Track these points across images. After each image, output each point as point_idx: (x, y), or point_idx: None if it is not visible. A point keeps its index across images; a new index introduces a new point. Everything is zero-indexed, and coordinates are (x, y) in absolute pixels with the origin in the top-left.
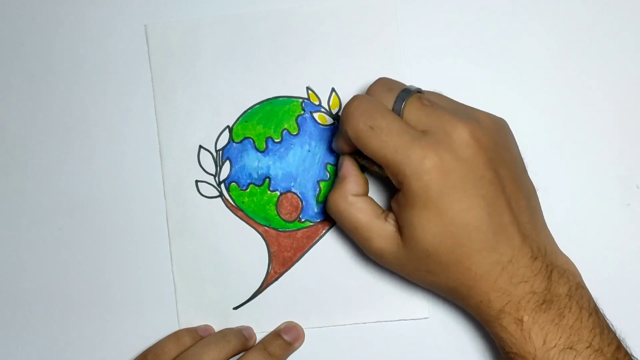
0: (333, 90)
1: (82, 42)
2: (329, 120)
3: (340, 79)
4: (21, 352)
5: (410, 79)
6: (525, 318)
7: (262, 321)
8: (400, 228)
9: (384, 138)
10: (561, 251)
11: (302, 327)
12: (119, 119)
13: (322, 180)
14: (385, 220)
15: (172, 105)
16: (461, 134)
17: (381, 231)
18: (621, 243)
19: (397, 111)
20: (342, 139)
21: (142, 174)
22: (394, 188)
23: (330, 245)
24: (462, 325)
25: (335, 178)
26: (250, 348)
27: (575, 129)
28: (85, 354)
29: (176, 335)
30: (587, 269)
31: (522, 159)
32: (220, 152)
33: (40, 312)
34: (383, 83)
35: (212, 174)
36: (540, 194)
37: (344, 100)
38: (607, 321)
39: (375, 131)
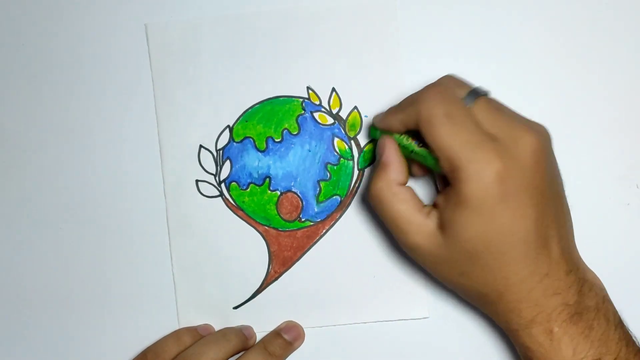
0: (333, 90)
1: (82, 41)
2: (329, 120)
3: (340, 78)
4: (21, 352)
5: (410, 79)
6: (556, 329)
7: (262, 320)
8: (443, 225)
9: (457, 129)
10: (588, 266)
11: (302, 326)
12: (119, 118)
13: (323, 180)
14: (427, 215)
15: (172, 105)
16: (527, 143)
17: (421, 226)
18: (621, 242)
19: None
20: (399, 115)
21: (142, 173)
22: (434, 183)
23: (330, 245)
24: (462, 325)
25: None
26: (250, 347)
27: (575, 129)
28: (85, 353)
29: (176, 335)
30: None
31: (561, 175)
32: (221, 151)
33: (40, 311)
34: (453, 78)
35: (212, 174)
36: None
37: (344, 100)
38: (631, 333)
39: (451, 120)
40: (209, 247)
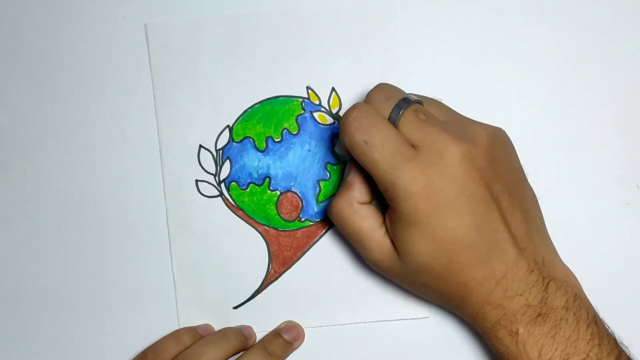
0: (333, 89)
1: (81, 41)
2: (329, 119)
3: (340, 78)
4: (21, 351)
5: (410, 79)
6: (521, 331)
7: (262, 320)
8: (393, 243)
9: (377, 156)
10: (561, 261)
11: (302, 326)
12: (119, 118)
13: (322, 179)
14: (385, 233)
15: (172, 105)
16: (453, 154)
17: (381, 242)
18: (621, 242)
19: (393, 121)
20: (342, 145)
21: (142, 173)
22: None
23: (330, 245)
24: (462, 325)
25: (340, 182)
26: (250, 347)
27: (575, 128)
28: (85, 353)
29: (176, 334)
30: (587, 269)
31: (521, 170)
32: (221, 151)
33: (40, 311)
34: (382, 90)
35: (212, 174)
36: (539, 194)
37: (344, 100)
38: (609, 330)
39: (370, 147)
40: (209, 247)
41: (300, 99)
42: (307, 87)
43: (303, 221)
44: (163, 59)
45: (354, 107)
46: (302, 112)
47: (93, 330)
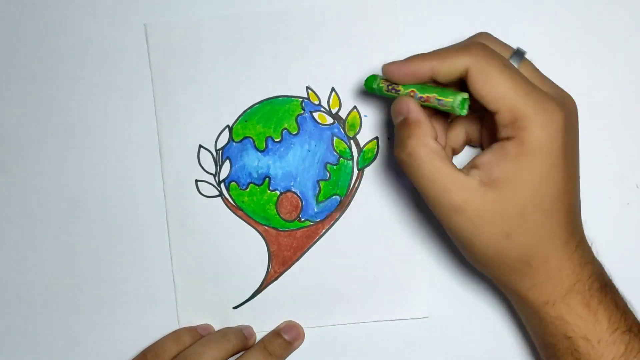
0: (333, 89)
1: (81, 41)
2: (328, 119)
3: (340, 78)
4: (21, 351)
5: None
6: (593, 300)
7: (262, 320)
8: (494, 181)
9: (518, 80)
10: None
11: (302, 326)
12: (119, 118)
13: (322, 179)
14: (467, 174)
15: (172, 105)
16: (572, 105)
17: (464, 183)
18: (621, 242)
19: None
20: (433, 62)
21: (142, 173)
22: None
23: (330, 245)
24: (462, 325)
25: (398, 124)
26: (250, 347)
27: None
28: (85, 353)
29: (176, 334)
30: None
31: None
32: (220, 151)
33: (40, 311)
34: (491, 38)
35: (212, 174)
36: None
37: (344, 100)
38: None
39: (511, 70)
40: (209, 247)
41: (300, 99)
42: (307, 87)
43: (303, 221)
44: (163, 59)
45: (476, 41)
46: (302, 112)
47: (93, 330)
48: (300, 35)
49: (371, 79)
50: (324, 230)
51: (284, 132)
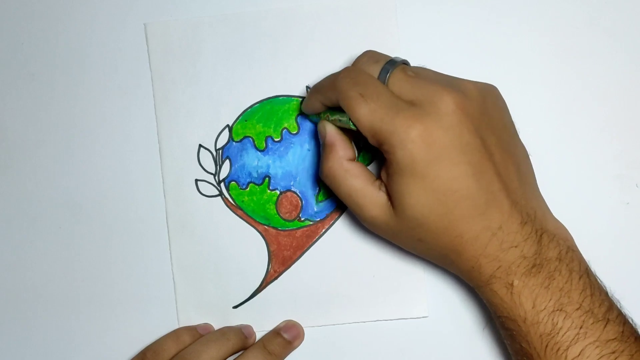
0: None
1: (81, 41)
2: None
3: None
4: (21, 351)
5: None
6: (516, 282)
7: (261, 320)
8: (390, 197)
9: (373, 106)
10: (552, 215)
11: (302, 325)
12: (119, 118)
13: None
14: (379, 188)
15: (172, 105)
16: (446, 103)
17: (374, 199)
18: (620, 241)
19: (382, 81)
20: (319, 97)
21: (142, 173)
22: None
23: (329, 244)
24: (462, 324)
25: (322, 146)
26: (249, 346)
27: (574, 128)
28: (84, 352)
29: (175, 334)
30: None
31: (512, 125)
32: (220, 151)
33: (40, 311)
34: (370, 56)
35: (211, 173)
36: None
37: None
38: (600, 283)
39: (365, 99)
40: (209, 246)
41: (300, 99)
42: (307, 87)
43: (303, 221)
44: (163, 58)
45: (344, 70)
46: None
47: (93, 330)
48: (300, 35)
49: (309, 116)
50: (323, 230)
51: (283, 131)
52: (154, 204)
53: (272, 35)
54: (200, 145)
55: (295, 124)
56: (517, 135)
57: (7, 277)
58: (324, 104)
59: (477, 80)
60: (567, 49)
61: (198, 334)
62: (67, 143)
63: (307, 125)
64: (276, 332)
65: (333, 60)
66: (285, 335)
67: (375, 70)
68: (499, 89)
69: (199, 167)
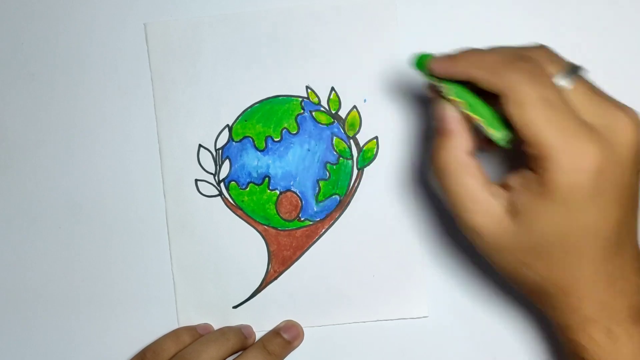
0: (333, 89)
1: (81, 41)
2: (328, 119)
3: (340, 78)
4: (21, 351)
5: (409, 79)
6: (616, 329)
7: (261, 320)
8: (515, 210)
9: (552, 115)
10: None
11: (302, 325)
12: (119, 118)
13: (322, 179)
14: (495, 195)
15: (172, 104)
16: (627, 135)
17: (488, 206)
18: None
19: (562, 87)
20: (479, 72)
21: (142, 173)
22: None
23: (329, 244)
24: (462, 324)
25: (437, 130)
26: (249, 346)
27: None
28: (84, 352)
29: (175, 334)
30: None
31: None
32: (220, 151)
33: (39, 311)
34: (545, 52)
35: (211, 173)
36: None
37: (343, 100)
38: None
39: (546, 104)
40: (209, 246)
41: (300, 99)
42: (307, 87)
43: (302, 221)
44: (163, 58)
45: (527, 57)
46: (302, 111)
47: (93, 330)
48: (300, 35)
49: (423, 58)
50: (323, 230)
51: (283, 131)
52: (154, 204)
53: (272, 35)
54: (200, 145)
55: (295, 124)
56: None
57: (7, 277)
58: (477, 81)
59: None
60: (568, 48)
61: (198, 334)
62: (67, 143)
63: (307, 126)
64: (276, 332)
65: (333, 60)
66: (285, 335)
67: (553, 71)
68: None
69: (199, 167)
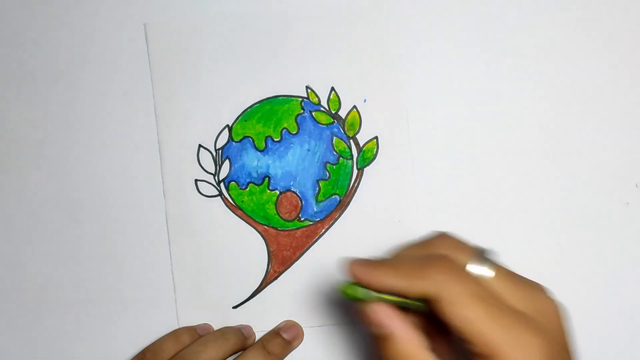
0: (332, 89)
1: (81, 41)
2: (328, 119)
3: (339, 78)
4: (21, 351)
5: (409, 79)
6: None
7: (261, 320)
8: None
9: (489, 311)
10: None
11: (301, 325)
12: (119, 118)
13: (322, 179)
14: None
15: (172, 104)
16: (556, 316)
17: None
18: (620, 242)
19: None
20: (401, 282)
21: (142, 173)
22: None
23: (329, 244)
24: None
25: (377, 335)
26: (249, 346)
27: (574, 128)
28: (84, 352)
29: (175, 334)
30: (586, 268)
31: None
32: (220, 151)
33: (40, 311)
34: (451, 242)
35: (211, 173)
36: (539, 192)
37: (343, 100)
38: None
39: (481, 301)
40: (208, 246)
41: (300, 99)
42: (307, 87)
43: (302, 221)
44: (162, 58)
45: (436, 257)
46: (302, 111)
47: (93, 330)
48: (300, 35)
49: (348, 287)
50: (323, 230)
51: (283, 131)
52: (154, 204)
53: (272, 35)
54: (200, 145)
55: (295, 124)
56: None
57: (7, 277)
58: (404, 292)
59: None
60: (568, 49)
61: (197, 335)
62: (67, 143)
63: (307, 126)
64: (276, 332)
65: (333, 60)
66: (285, 336)
67: (464, 260)
68: (502, 89)
69: (199, 167)
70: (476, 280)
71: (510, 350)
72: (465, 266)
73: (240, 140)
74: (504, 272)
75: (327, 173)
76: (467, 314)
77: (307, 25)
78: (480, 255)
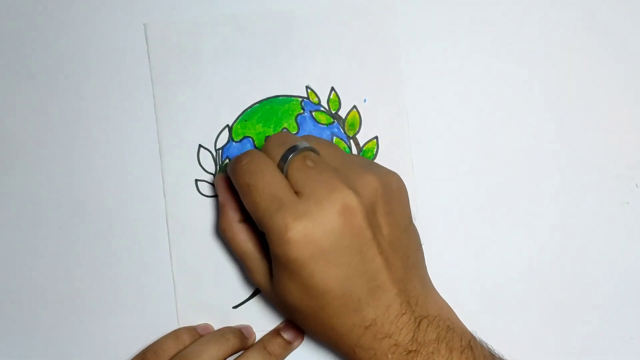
0: (333, 89)
1: (81, 40)
2: (328, 119)
3: (339, 78)
4: (21, 351)
5: (409, 79)
6: None
7: (261, 320)
8: (272, 273)
9: (256, 199)
10: (436, 299)
11: None
12: (119, 118)
13: None
14: (266, 255)
15: (172, 105)
16: (333, 204)
17: (260, 265)
18: (620, 241)
19: (281, 168)
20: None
21: (142, 173)
22: None
23: None
24: None
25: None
26: (249, 347)
27: (574, 127)
28: (84, 353)
29: (175, 334)
30: (586, 268)
31: (407, 217)
32: (220, 151)
33: (40, 311)
34: (278, 137)
35: (211, 173)
36: (539, 192)
37: (343, 100)
38: (487, 350)
39: (251, 190)
40: (209, 246)
41: (300, 99)
42: (307, 87)
43: None
44: (162, 58)
45: (245, 153)
46: (302, 111)
47: (93, 330)
48: (300, 35)
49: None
50: None
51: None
52: (154, 204)
53: (272, 35)
54: (200, 146)
55: (295, 124)
56: (411, 226)
57: (7, 277)
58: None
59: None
60: (568, 48)
61: (198, 334)
62: (67, 143)
63: (307, 126)
64: (276, 332)
65: (333, 60)
66: (285, 336)
67: (277, 154)
68: (502, 88)
69: (199, 167)
70: (266, 168)
71: (269, 230)
72: (274, 156)
73: (241, 140)
74: (300, 162)
75: None
76: (244, 200)
77: (307, 25)
78: (290, 148)
